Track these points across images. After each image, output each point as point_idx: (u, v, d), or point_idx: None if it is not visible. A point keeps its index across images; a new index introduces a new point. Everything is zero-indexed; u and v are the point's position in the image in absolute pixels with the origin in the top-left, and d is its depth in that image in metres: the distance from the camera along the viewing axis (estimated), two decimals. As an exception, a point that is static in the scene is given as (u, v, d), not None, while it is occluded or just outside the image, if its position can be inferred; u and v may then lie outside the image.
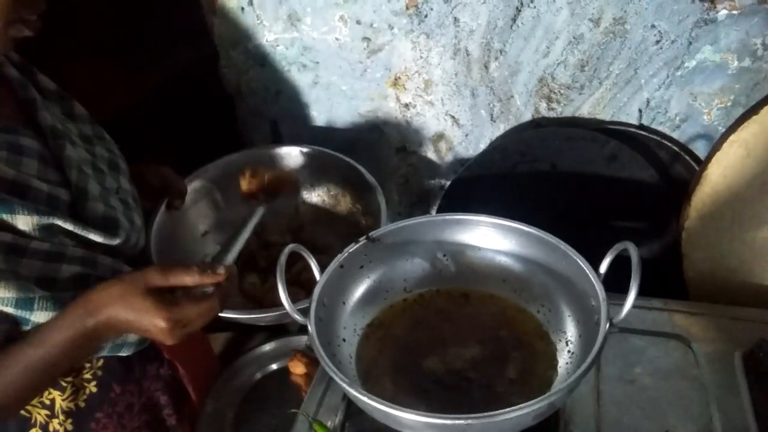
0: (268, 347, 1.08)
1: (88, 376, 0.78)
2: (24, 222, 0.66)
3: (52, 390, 0.75)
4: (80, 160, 0.76)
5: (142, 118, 1.15)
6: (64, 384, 0.75)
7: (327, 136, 1.21)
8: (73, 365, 0.71)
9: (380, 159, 1.23)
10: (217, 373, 1.05)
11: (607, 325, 0.66)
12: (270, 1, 1.07)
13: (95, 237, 0.73)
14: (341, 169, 1.08)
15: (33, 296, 0.65)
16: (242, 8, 1.10)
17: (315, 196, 1.15)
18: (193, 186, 1.06)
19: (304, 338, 1.10)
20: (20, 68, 0.79)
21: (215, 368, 1.07)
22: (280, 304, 1.02)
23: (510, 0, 0.96)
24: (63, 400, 0.75)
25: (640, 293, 0.64)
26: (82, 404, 0.77)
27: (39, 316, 0.65)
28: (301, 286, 1.00)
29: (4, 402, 0.64)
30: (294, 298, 1.04)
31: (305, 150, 1.11)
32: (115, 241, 0.75)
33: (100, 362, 0.78)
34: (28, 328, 0.66)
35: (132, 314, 0.65)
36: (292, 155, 1.12)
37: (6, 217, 0.65)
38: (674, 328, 0.86)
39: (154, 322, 0.64)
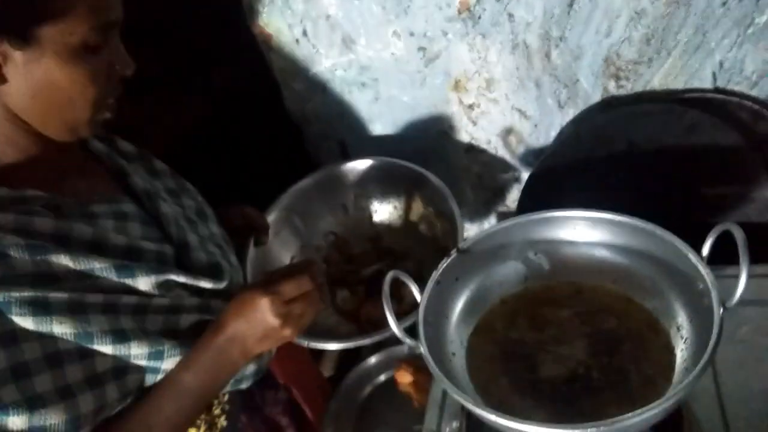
0: (373, 360, 1.11)
1: (217, 411, 0.83)
2: (144, 282, 0.71)
3: (189, 430, 0.80)
4: (175, 214, 0.81)
5: (211, 157, 1.20)
6: (198, 422, 0.81)
7: (395, 147, 1.24)
8: (216, 393, 0.77)
9: (450, 161, 1.24)
10: (328, 391, 1.10)
11: (722, 311, 0.66)
12: (323, 28, 1.09)
13: (205, 284, 0.77)
14: (409, 176, 1.11)
15: (162, 348, 0.70)
16: (297, 40, 1.13)
17: (388, 204, 1.18)
18: (272, 218, 1.11)
19: (404, 347, 1.13)
20: (102, 139, 0.84)
21: (325, 387, 1.12)
22: (376, 319, 1.08)
23: (564, -13, 0.95)
24: None
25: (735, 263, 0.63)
26: None
27: (169, 364, 0.71)
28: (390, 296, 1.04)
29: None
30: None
31: (371, 162, 1.14)
32: (223, 284, 0.80)
33: (226, 397, 0.83)
34: (159, 376, 0.71)
35: (244, 309, 0.70)
36: (359, 169, 1.15)
37: (129, 281, 0.70)
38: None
39: (258, 302, 0.69)
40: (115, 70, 0.68)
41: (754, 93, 1.00)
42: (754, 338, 0.78)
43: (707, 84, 1.01)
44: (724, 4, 0.91)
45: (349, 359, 1.20)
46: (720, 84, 1.01)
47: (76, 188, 0.74)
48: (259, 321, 0.71)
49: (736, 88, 1.00)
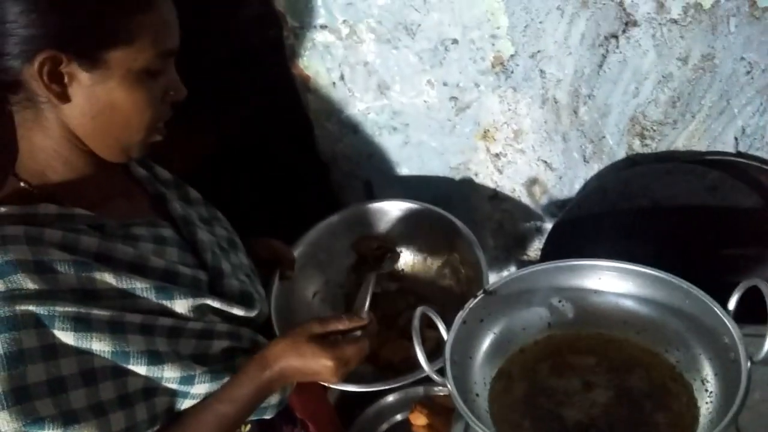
0: (389, 399, 1.11)
1: (239, 438, 0.84)
2: (181, 305, 0.72)
3: None
4: (210, 242, 0.83)
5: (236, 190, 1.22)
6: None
7: (419, 191, 1.27)
8: (245, 419, 0.78)
9: (473, 207, 1.27)
10: (339, 429, 1.09)
11: (749, 364, 0.67)
12: (360, 74, 1.14)
13: (238, 311, 0.79)
14: (436, 220, 1.13)
15: (194, 373, 0.71)
16: (334, 83, 1.17)
17: (412, 246, 1.20)
18: (298, 252, 1.12)
19: (421, 389, 1.14)
20: (142, 165, 0.87)
21: (338, 425, 1.11)
22: (396, 362, 1.08)
23: (595, 48, 0.99)
24: None
25: (758, 321, 0.65)
26: None
27: (198, 389, 0.72)
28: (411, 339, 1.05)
29: None
30: (408, 352, 1.09)
31: (399, 204, 1.17)
32: (253, 313, 0.82)
33: (248, 427, 0.83)
34: (187, 400, 0.72)
35: (302, 360, 0.73)
36: (386, 209, 1.18)
37: (166, 303, 0.71)
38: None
39: (323, 363, 0.73)
40: (169, 95, 0.72)
41: (774, 159, 1.04)
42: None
43: (730, 148, 1.05)
44: (748, 72, 0.95)
45: (355, 396, 1.20)
46: (742, 149, 1.04)
47: (119, 210, 0.76)
48: (315, 373, 0.75)
49: (758, 153, 1.04)
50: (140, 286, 0.69)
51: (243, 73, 1.22)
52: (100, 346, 0.65)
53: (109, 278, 0.67)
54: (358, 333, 0.79)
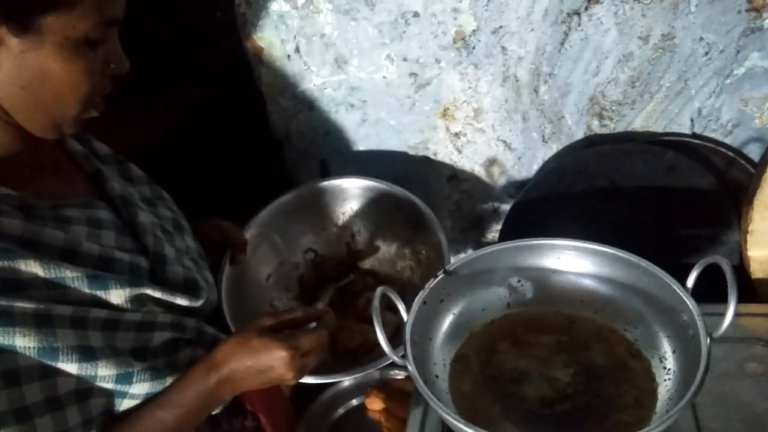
0: (346, 383, 1.09)
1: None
2: (117, 296, 0.66)
3: None
4: (152, 224, 0.77)
5: (185, 166, 1.17)
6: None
7: (377, 170, 1.23)
8: (193, 427, 0.72)
9: (431, 188, 1.25)
10: (294, 420, 1.06)
11: (708, 341, 0.67)
12: (317, 46, 1.10)
13: (181, 301, 0.73)
14: (396, 200, 1.10)
15: (132, 370, 0.65)
16: (288, 56, 1.13)
17: (371, 225, 1.17)
18: (251, 233, 1.07)
19: (377, 373, 1.11)
20: (78, 139, 0.80)
21: (291, 414, 1.08)
22: (353, 347, 1.05)
23: (558, 25, 0.98)
24: None
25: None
26: None
27: (137, 389, 0.66)
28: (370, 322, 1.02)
29: None
30: (366, 336, 1.06)
31: (357, 182, 1.13)
32: (199, 302, 0.76)
33: None
34: (125, 400, 0.67)
35: (252, 356, 0.67)
36: (343, 188, 1.15)
37: (100, 293, 0.65)
38: (747, 332, 0.87)
39: (276, 354, 0.67)
40: (109, 68, 0.66)
41: (728, 141, 1.05)
42: (733, 387, 0.80)
43: (686, 129, 1.06)
44: (706, 53, 0.96)
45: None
46: (697, 130, 1.05)
47: (50, 189, 0.70)
48: (269, 369, 0.68)
49: (713, 135, 1.05)
50: (70, 275, 0.63)
51: (195, 48, 1.16)
52: (24, 342, 0.58)
53: (34, 267, 0.60)
54: (314, 325, 0.73)
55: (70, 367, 0.61)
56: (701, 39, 0.95)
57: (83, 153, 0.78)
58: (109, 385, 0.65)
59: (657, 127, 1.06)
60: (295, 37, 1.10)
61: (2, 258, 0.59)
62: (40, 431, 0.59)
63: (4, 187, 0.63)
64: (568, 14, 0.97)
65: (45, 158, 0.71)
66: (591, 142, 1.10)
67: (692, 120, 1.04)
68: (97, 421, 0.64)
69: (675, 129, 1.06)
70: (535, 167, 1.16)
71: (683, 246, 1.03)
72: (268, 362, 0.68)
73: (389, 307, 0.80)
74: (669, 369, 0.74)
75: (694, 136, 1.06)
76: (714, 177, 1.03)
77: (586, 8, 0.96)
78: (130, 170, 0.85)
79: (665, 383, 0.73)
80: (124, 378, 0.65)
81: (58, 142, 0.76)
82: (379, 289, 0.77)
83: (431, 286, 0.82)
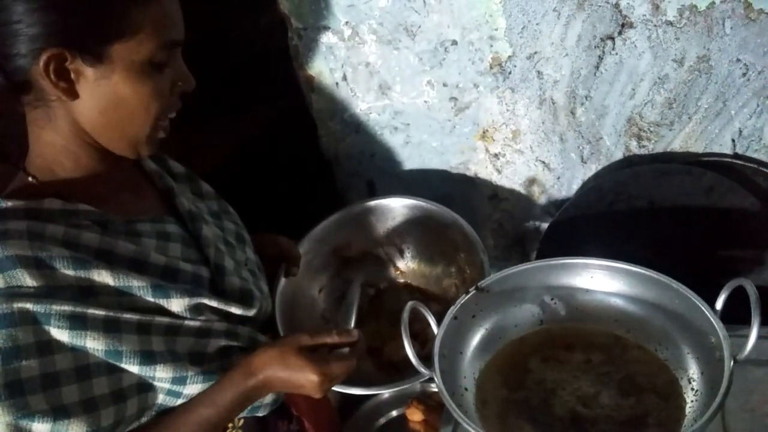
0: (386, 395, 1.12)
1: (231, 434, 0.85)
2: (177, 304, 0.72)
3: None
4: (215, 237, 0.83)
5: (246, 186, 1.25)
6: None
7: (420, 189, 1.28)
8: (229, 422, 0.79)
9: (473, 207, 1.28)
10: (338, 425, 1.11)
11: (732, 363, 0.68)
12: (362, 74, 1.16)
13: (235, 310, 0.79)
14: (440, 218, 1.13)
15: (186, 374, 0.72)
16: (337, 83, 1.20)
17: (418, 244, 1.20)
18: (304, 248, 1.13)
19: (418, 384, 1.14)
20: (154, 158, 0.87)
21: (336, 421, 1.13)
22: (397, 360, 1.09)
23: (592, 50, 1.00)
24: None
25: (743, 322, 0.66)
26: None
27: (190, 390, 0.73)
28: (415, 337, 1.06)
29: None
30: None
31: (404, 201, 1.17)
32: (252, 312, 0.81)
33: (241, 422, 0.83)
34: (179, 400, 0.73)
35: (287, 372, 0.73)
36: (392, 207, 1.18)
37: (163, 302, 0.71)
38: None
39: (309, 377, 0.73)
40: (177, 87, 0.72)
41: (772, 161, 1.04)
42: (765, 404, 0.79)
43: (726, 149, 1.05)
44: (744, 74, 0.96)
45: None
46: (739, 150, 1.04)
47: (125, 205, 0.77)
48: (299, 386, 0.75)
49: (755, 155, 1.04)
50: (137, 285, 0.70)
51: (260, 75, 1.25)
52: (93, 344, 0.66)
53: (106, 276, 0.68)
54: (346, 350, 0.79)
55: (132, 368, 0.69)
56: (738, 60, 0.95)
57: (157, 172, 0.85)
58: (166, 385, 0.71)
59: (697, 148, 1.06)
60: (342, 66, 1.17)
61: (80, 268, 0.66)
62: (103, 420, 0.66)
63: (86, 204, 0.71)
64: (602, 39, 0.99)
65: (122, 177, 0.79)
66: (630, 162, 1.11)
67: (733, 140, 1.04)
68: (150, 412, 0.72)
69: (716, 149, 1.05)
70: (575, 187, 1.18)
71: (723, 268, 1.02)
72: (301, 381, 0.74)
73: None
74: (696, 390, 0.75)
75: (736, 156, 1.05)
76: (756, 198, 1.01)
77: (620, 33, 0.98)
78: (200, 186, 0.92)
79: (692, 403, 0.74)
80: (179, 380, 0.71)
81: (136, 162, 0.83)
82: (409, 304, 0.82)
83: (462, 301, 0.86)
